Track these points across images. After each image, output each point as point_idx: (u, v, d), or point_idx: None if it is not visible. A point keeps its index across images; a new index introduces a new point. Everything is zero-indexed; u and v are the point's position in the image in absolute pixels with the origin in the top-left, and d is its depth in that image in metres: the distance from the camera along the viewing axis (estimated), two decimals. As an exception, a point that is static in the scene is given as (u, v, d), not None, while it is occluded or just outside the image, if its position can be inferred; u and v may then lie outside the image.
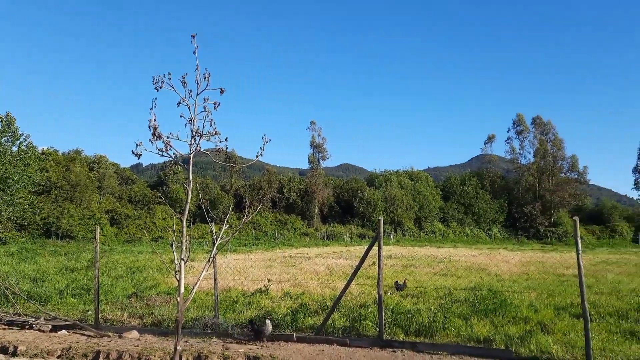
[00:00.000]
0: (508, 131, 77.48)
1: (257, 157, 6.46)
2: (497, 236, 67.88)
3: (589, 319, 7.15)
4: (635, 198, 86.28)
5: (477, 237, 66.83)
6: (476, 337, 8.30)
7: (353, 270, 8.90)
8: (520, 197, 72.77)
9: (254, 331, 8.43)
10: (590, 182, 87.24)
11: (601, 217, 72.52)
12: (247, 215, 7.34)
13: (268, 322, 8.52)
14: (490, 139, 79.19)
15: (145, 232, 49.56)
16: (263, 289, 12.93)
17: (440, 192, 76.65)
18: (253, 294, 12.65)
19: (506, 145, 77.89)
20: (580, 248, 7.41)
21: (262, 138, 6.39)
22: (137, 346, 7.87)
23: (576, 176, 73.78)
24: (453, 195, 75.21)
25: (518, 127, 76.19)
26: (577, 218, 7.64)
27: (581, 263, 7.36)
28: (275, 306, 11.13)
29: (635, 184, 77.13)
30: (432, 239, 63.00)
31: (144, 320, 10.11)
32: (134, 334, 8.96)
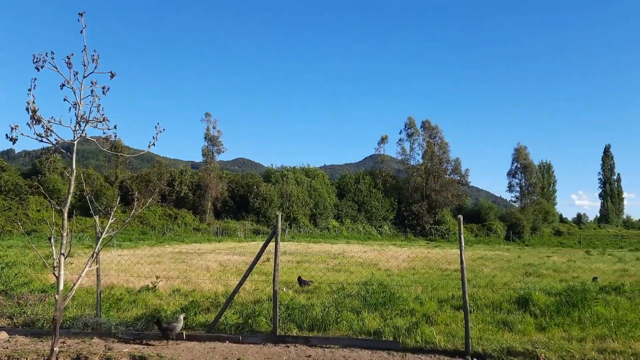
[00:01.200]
0: (400, 133, 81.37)
1: (149, 147, 6.10)
2: (387, 233, 71.12)
3: (468, 310, 7.66)
4: (508, 199, 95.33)
5: (369, 233, 69.48)
6: (367, 329, 8.53)
7: (248, 266, 8.76)
8: (409, 196, 76.80)
9: (161, 330, 7.87)
10: (471, 184, 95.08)
11: (479, 216, 78.83)
12: (135, 209, 6.92)
13: (182, 317, 8.08)
14: (383, 140, 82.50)
15: (18, 224, 45.06)
16: (150, 286, 12.28)
17: (336, 190, 78.43)
18: (139, 291, 11.98)
19: (398, 147, 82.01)
20: (463, 245, 7.90)
21: (156, 127, 6.08)
22: (7, 348, 7.17)
23: (459, 178, 79.60)
24: (347, 193, 77.34)
25: (409, 130, 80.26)
26: (461, 217, 8.12)
27: (464, 259, 7.85)
28: (164, 304, 10.63)
29: (508, 187, 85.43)
30: (326, 235, 64.40)
31: (15, 320, 9.18)
32: (3, 335, 8.10)
